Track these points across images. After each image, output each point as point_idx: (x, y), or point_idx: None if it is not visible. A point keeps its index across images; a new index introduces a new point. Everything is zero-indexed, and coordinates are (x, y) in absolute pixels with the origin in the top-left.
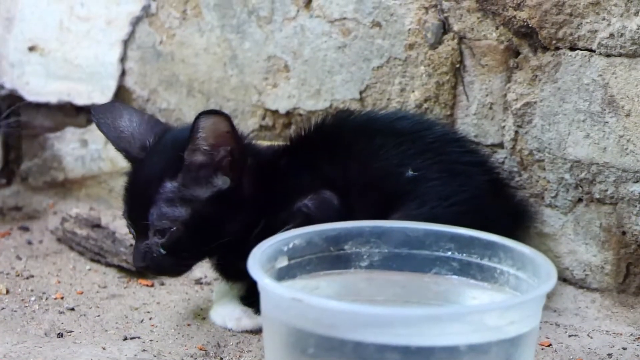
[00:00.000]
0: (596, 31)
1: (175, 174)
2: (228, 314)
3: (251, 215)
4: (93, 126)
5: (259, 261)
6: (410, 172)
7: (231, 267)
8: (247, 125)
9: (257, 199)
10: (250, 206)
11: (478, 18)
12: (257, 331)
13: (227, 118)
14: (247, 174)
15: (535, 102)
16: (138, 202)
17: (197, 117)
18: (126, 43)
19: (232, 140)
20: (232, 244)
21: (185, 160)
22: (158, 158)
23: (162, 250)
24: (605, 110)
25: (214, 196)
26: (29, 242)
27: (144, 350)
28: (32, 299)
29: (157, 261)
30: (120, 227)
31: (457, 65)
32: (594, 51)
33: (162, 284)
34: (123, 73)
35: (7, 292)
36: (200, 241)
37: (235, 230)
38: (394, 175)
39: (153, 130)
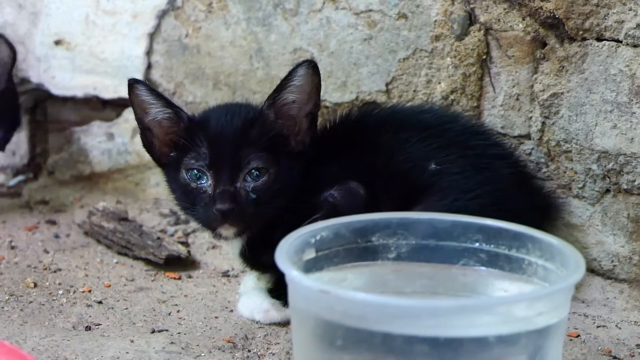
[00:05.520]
0: (623, 22)
1: (252, 125)
2: (256, 306)
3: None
4: (119, 120)
5: (287, 253)
6: (433, 166)
7: (258, 257)
8: None
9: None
10: (304, 177)
11: (504, 9)
12: (285, 323)
13: (319, 74)
14: (310, 144)
15: (562, 93)
16: (224, 148)
17: (298, 65)
18: (152, 36)
19: (316, 98)
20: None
21: (263, 111)
22: (232, 114)
23: (252, 195)
24: (632, 100)
25: (289, 153)
26: (57, 236)
27: (172, 342)
28: (60, 292)
29: (244, 206)
30: (147, 220)
31: (484, 57)
32: (621, 42)
33: (190, 276)
34: (149, 66)
35: (35, 285)
36: (281, 193)
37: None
38: (418, 168)
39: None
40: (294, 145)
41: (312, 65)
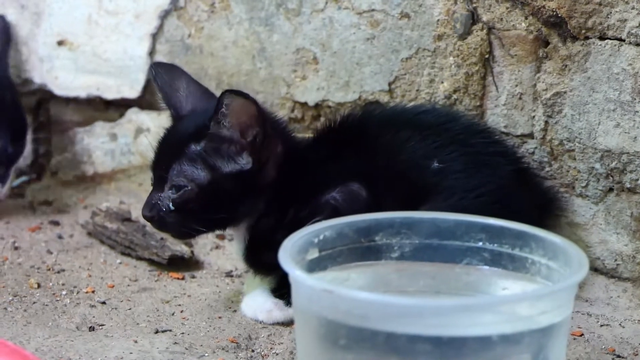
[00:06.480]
0: (625, 20)
1: (200, 140)
2: (259, 306)
3: (271, 202)
4: (122, 120)
5: (290, 253)
6: (436, 164)
7: (260, 259)
8: None
9: (282, 187)
10: (271, 193)
11: (507, 8)
12: (289, 323)
13: (253, 102)
14: (273, 161)
15: (565, 92)
16: (164, 155)
17: (222, 95)
18: (155, 37)
19: (257, 125)
20: (259, 233)
21: (210, 129)
22: (191, 121)
23: (171, 206)
24: (635, 99)
25: (234, 173)
26: (60, 237)
27: (176, 343)
28: (63, 293)
29: (163, 215)
30: None
31: (486, 56)
32: (624, 40)
33: (193, 277)
34: None
35: (39, 286)
36: (208, 209)
37: (247, 211)
38: (420, 167)
39: (207, 100)
40: (244, 164)
41: (235, 94)
